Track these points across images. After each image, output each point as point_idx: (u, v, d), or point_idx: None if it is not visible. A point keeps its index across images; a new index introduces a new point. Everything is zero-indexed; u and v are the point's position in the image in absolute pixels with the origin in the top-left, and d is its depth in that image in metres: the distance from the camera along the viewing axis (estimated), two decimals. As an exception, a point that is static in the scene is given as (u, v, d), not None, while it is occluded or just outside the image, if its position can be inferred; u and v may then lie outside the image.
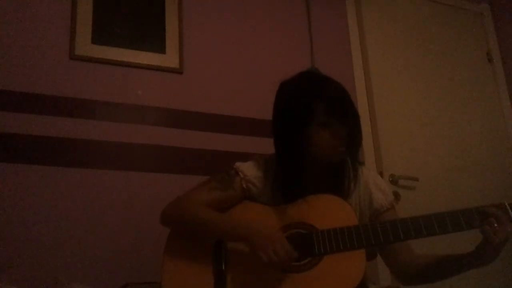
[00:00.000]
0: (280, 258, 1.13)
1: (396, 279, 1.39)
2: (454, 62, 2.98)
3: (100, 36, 2.12)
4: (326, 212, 1.26)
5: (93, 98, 2.04)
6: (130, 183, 2.00)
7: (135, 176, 2.02)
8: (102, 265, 1.85)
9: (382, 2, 2.89)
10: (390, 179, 2.50)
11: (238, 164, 1.39)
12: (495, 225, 1.11)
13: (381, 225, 1.20)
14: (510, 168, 2.90)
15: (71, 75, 2.03)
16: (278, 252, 1.13)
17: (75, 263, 1.81)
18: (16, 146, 1.86)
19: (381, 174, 2.47)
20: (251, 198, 1.35)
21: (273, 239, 1.16)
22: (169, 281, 1.23)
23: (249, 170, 1.37)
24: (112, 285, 1.76)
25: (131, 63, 2.15)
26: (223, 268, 1.20)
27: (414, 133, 2.71)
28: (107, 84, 2.08)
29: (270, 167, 1.37)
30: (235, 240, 1.22)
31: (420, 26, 2.95)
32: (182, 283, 1.23)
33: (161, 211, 1.33)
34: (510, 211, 1.14)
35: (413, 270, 1.30)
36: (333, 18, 2.75)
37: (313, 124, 1.26)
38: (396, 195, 2.43)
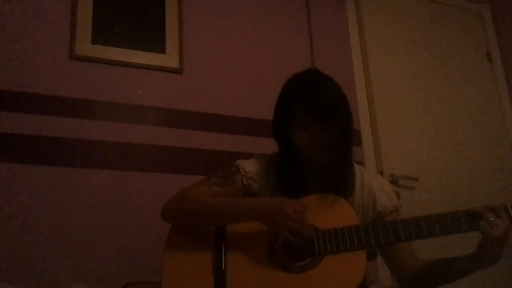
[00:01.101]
0: (297, 225, 1.15)
1: (397, 282, 1.38)
2: (454, 62, 2.98)
3: (100, 36, 2.12)
4: (327, 211, 1.26)
5: (93, 98, 2.04)
6: (130, 183, 2.00)
7: (135, 176, 2.02)
8: (102, 265, 1.85)
9: (382, 2, 2.89)
10: (390, 179, 2.50)
11: (239, 161, 1.39)
12: (491, 219, 1.10)
13: (382, 225, 1.20)
14: (510, 168, 2.90)
15: (71, 75, 2.03)
16: (291, 221, 1.15)
17: (75, 263, 1.81)
18: (16, 146, 1.86)
19: (381, 174, 2.47)
20: (251, 196, 1.36)
21: (282, 208, 1.16)
22: (169, 279, 1.23)
23: (250, 167, 1.37)
24: (112, 285, 1.77)
25: (131, 63, 2.15)
26: (223, 266, 1.21)
27: (414, 133, 2.71)
28: (107, 84, 2.08)
29: (272, 165, 1.38)
30: (244, 221, 1.22)
31: (420, 26, 2.95)
32: (182, 281, 1.22)
33: (162, 207, 1.33)
34: (510, 210, 1.14)
35: (415, 272, 1.29)
36: (333, 18, 2.75)
37: (295, 125, 1.28)
38: (396, 195, 2.43)
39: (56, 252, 1.80)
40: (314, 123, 1.25)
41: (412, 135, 2.69)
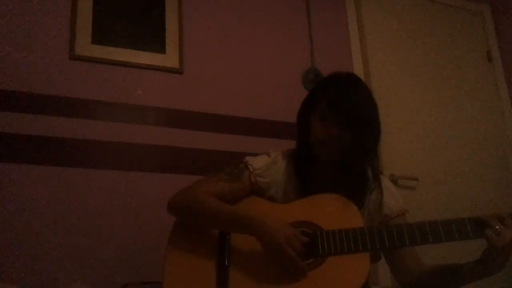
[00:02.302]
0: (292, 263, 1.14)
1: (400, 286, 1.38)
2: (454, 62, 2.97)
3: (100, 36, 2.12)
4: (332, 212, 1.26)
5: (93, 98, 2.04)
6: (130, 183, 2.00)
7: (135, 176, 2.02)
8: (102, 265, 1.85)
9: (382, 2, 2.89)
10: (390, 179, 2.50)
11: (247, 158, 1.40)
12: (497, 227, 1.09)
13: (387, 229, 1.19)
14: (510, 168, 2.90)
15: (71, 75, 2.03)
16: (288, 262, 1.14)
17: (75, 263, 1.81)
18: (16, 146, 1.86)
19: (381, 174, 2.46)
20: (259, 193, 1.36)
21: (282, 239, 1.15)
22: (172, 273, 1.23)
23: (258, 164, 1.37)
24: (112, 285, 1.76)
25: (131, 63, 2.14)
26: (226, 263, 1.21)
27: (414, 133, 2.71)
28: (107, 84, 2.08)
29: (284, 161, 1.38)
30: (244, 233, 1.22)
31: (420, 26, 2.95)
32: (185, 276, 1.22)
33: (169, 200, 1.33)
34: None
35: (418, 278, 1.29)
36: (333, 18, 2.74)
37: (315, 114, 1.30)
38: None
39: (56, 252, 1.80)
40: (330, 116, 1.26)
41: (412, 135, 2.69)
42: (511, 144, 2.96)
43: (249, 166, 1.36)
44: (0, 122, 1.85)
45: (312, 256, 1.19)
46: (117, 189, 1.97)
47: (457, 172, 2.73)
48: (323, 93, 1.30)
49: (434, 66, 2.90)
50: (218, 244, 1.25)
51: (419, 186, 2.57)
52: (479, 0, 3.21)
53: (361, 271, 1.14)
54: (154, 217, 1.93)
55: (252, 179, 1.35)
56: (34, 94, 1.94)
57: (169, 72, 2.22)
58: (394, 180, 2.50)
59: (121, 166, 2.01)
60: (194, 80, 2.27)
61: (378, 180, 1.37)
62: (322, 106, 1.28)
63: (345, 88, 1.28)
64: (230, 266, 1.20)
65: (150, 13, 2.25)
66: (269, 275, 1.18)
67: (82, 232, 1.87)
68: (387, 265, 1.40)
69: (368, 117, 1.28)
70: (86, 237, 1.87)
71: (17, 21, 1.99)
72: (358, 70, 2.68)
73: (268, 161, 1.38)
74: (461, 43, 3.04)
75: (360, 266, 1.15)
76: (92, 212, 1.91)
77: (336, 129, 1.25)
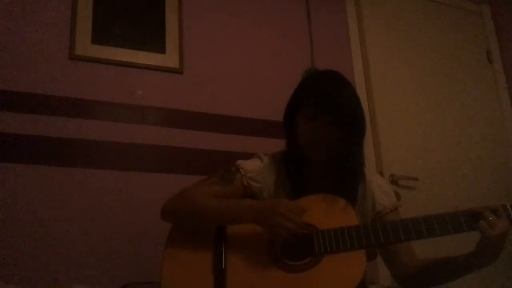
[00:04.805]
0: (290, 226, 1.15)
1: (395, 281, 1.39)
2: (454, 62, 2.97)
3: (100, 36, 2.12)
4: (327, 211, 1.26)
5: (93, 98, 2.04)
6: (130, 183, 2.00)
7: (135, 176, 2.02)
8: (102, 265, 1.85)
9: (382, 2, 2.89)
10: (390, 179, 2.50)
11: (239, 162, 1.40)
12: (490, 218, 1.11)
13: (382, 226, 1.20)
14: (510, 167, 2.90)
15: (71, 75, 2.03)
16: (286, 221, 1.15)
17: (75, 263, 1.81)
18: (16, 146, 1.86)
19: (381, 174, 2.47)
20: (252, 196, 1.36)
21: (276, 208, 1.17)
22: (169, 277, 1.23)
23: (250, 167, 1.37)
24: (112, 285, 1.77)
25: (131, 63, 2.15)
26: (223, 265, 1.21)
27: (414, 133, 2.71)
28: (107, 84, 2.09)
29: (273, 164, 1.38)
30: (240, 223, 1.23)
31: (420, 26, 2.95)
32: (182, 279, 1.22)
33: (162, 206, 1.33)
34: (510, 210, 1.14)
35: (413, 272, 1.30)
36: (333, 18, 2.75)
37: (301, 116, 1.29)
38: (396, 195, 2.43)
39: (56, 252, 1.80)
40: (318, 116, 1.25)
41: (412, 135, 2.69)
42: (511, 144, 2.96)
43: (241, 170, 1.36)
44: (0, 122, 1.85)
45: (309, 255, 1.19)
46: (117, 189, 1.97)
47: (457, 172, 2.73)
48: (309, 93, 1.29)
49: (434, 66, 2.90)
50: (215, 246, 1.25)
51: (419, 186, 2.57)
52: (479, 0, 3.21)
53: (357, 269, 1.15)
54: (154, 217, 1.92)
55: (245, 182, 1.35)
56: (34, 94, 1.94)
57: (169, 72, 2.22)
58: (394, 180, 2.50)
59: (121, 166, 2.01)
60: (194, 80, 2.27)
61: (363, 173, 1.37)
62: (309, 107, 1.27)
63: (331, 87, 1.28)
64: (227, 268, 1.21)
65: (150, 13, 2.26)
66: (266, 276, 1.18)
67: (82, 232, 1.87)
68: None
69: (356, 114, 1.28)
70: (86, 237, 1.87)
71: (17, 21, 1.99)
72: (358, 70, 2.69)
73: (260, 165, 1.38)
74: (461, 43, 3.04)
75: (356, 265, 1.16)
76: (92, 212, 1.91)
77: (326, 128, 1.25)
